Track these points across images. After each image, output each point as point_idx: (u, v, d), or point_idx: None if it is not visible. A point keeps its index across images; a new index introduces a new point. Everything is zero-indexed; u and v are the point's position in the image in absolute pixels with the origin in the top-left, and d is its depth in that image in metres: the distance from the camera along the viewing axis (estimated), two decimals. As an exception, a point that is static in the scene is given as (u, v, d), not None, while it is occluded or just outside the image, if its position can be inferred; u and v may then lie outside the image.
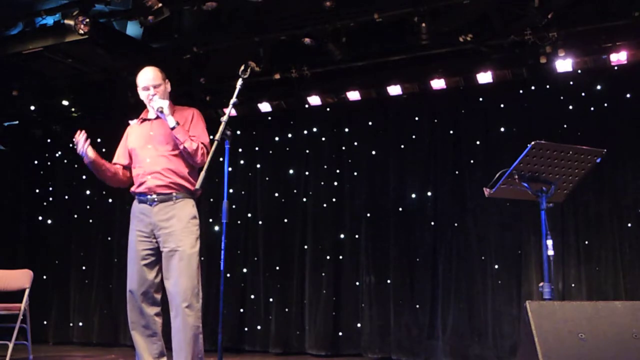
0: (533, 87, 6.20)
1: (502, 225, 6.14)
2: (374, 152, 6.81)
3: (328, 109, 6.97)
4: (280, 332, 6.82)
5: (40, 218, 8.30)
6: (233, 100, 3.56)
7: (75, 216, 8.07)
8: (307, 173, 7.08)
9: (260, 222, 7.18)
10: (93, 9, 5.56)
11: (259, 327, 6.94)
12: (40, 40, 5.96)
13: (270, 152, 7.26)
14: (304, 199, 7.02)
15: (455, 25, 5.72)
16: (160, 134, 3.92)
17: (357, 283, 6.65)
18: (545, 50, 5.67)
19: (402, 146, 6.66)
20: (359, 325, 6.55)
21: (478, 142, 6.36)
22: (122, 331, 7.32)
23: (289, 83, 6.63)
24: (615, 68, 5.83)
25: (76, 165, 7.68)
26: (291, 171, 7.17)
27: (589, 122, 5.95)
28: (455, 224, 6.33)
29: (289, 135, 7.23)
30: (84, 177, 7.88)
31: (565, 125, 6.01)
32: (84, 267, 7.91)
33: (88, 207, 8.03)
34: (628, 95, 5.91)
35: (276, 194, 7.17)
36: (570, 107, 6.08)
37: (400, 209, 6.58)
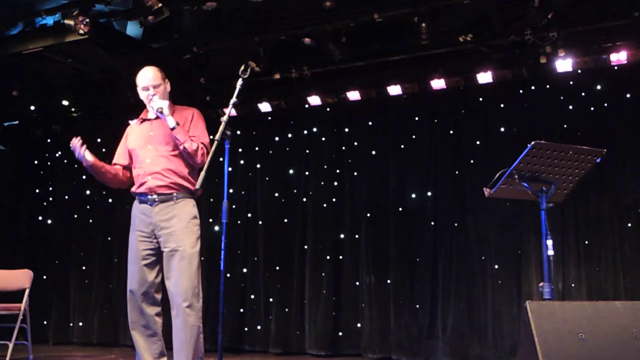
0: (533, 87, 6.20)
1: (502, 225, 6.14)
2: (374, 152, 6.81)
3: (328, 109, 6.97)
4: (280, 332, 6.82)
5: (40, 218, 8.30)
6: (233, 100, 3.56)
7: (75, 216, 8.07)
8: (307, 173, 7.08)
9: (260, 222, 7.18)
10: (93, 9, 5.56)
11: (259, 327, 6.95)
12: (40, 40, 5.96)
13: (270, 152, 7.27)
14: (304, 199, 7.02)
15: (455, 25, 5.72)
16: (160, 134, 3.92)
17: (357, 283, 6.65)
18: (545, 50, 5.67)
19: (402, 146, 6.66)
20: (359, 325, 6.55)
21: (478, 142, 6.36)
22: (122, 331, 7.32)
23: (289, 83, 6.63)
24: (615, 68, 5.83)
25: (76, 165, 7.66)
26: (291, 171, 7.17)
27: (589, 122, 5.95)
28: (455, 224, 6.33)
29: (289, 135, 7.23)
30: (84, 177, 7.87)
31: (565, 125, 6.01)
32: (84, 267, 7.91)
33: (88, 207, 8.03)
34: (628, 95, 5.91)
35: (276, 194, 7.17)
36: (570, 107, 6.08)
37: (400, 209, 6.58)
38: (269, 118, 7.25)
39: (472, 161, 6.34)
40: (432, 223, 6.42)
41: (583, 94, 6.06)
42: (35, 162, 8.47)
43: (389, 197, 6.65)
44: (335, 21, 5.72)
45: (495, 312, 6.02)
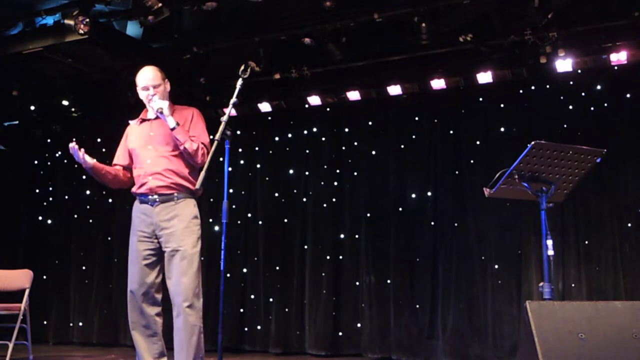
0: (533, 87, 6.20)
1: (502, 225, 6.14)
2: (374, 152, 6.81)
3: (328, 109, 6.97)
4: (280, 332, 6.82)
5: (40, 218, 8.30)
6: (233, 100, 3.56)
7: (75, 216, 8.07)
8: (307, 173, 7.08)
9: (260, 222, 7.18)
10: (93, 9, 5.56)
11: (259, 327, 6.95)
12: (40, 40, 5.96)
13: (270, 152, 7.27)
14: (304, 199, 7.02)
15: (455, 25, 5.72)
16: (160, 134, 3.92)
17: (357, 283, 6.65)
18: (545, 50, 5.67)
19: (402, 146, 6.66)
20: (359, 325, 6.55)
21: (478, 142, 6.36)
22: (122, 331, 7.32)
23: (289, 83, 6.63)
24: (615, 68, 5.83)
25: (76, 166, 7.61)
26: (291, 171, 7.17)
27: (589, 122, 5.96)
28: (455, 224, 6.33)
29: (289, 135, 7.23)
30: (84, 177, 7.86)
31: (565, 125, 6.01)
32: (84, 267, 7.91)
33: (88, 207, 8.03)
34: (628, 95, 5.91)
35: (276, 194, 7.17)
36: (570, 107, 6.08)
37: (400, 209, 6.58)
38: (269, 118, 7.25)
39: (472, 161, 6.34)
40: (432, 223, 6.42)
41: (583, 94, 6.06)
42: (35, 162, 8.47)
43: (389, 197, 6.65)
44: (335, 21, 5.72)
45: (495, 312, 6.02)
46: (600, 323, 3.04)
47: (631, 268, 5.67)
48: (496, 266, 6.11)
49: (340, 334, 6.62)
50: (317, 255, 6.82)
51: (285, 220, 7.05)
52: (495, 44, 5.87)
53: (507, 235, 6.12)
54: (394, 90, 6.46)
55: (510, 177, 3.57)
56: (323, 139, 7.05)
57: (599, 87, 6.02)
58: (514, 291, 6.00)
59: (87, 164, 3.86)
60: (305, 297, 6.80)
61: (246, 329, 7.00)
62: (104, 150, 7.09)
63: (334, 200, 6.90)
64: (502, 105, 6.34)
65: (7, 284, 5.78)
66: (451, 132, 6.48)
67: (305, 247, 6.91)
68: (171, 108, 3.90)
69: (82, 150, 3.83)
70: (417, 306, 6.33)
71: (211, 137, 3.71)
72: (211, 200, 7.12)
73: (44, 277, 7.79)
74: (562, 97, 6.09)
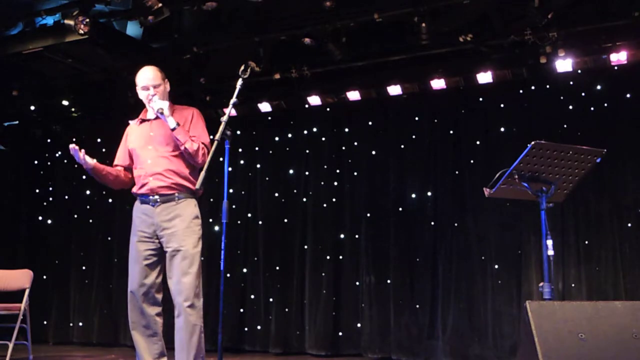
0: (533, 87, 6.20)
1: (502, 225, 6.14)
2: (374, 152, 6.81)
3: (328, 109, 6.97)
4: (280, 332, 6.82)
5: (40, 218, 8.30)
6: (233, 100, 3.57)
7: (75, 216, 8.07)
8: (307, 173, 7.08)
9: (260, 222, 7.18)
10: (93, 9, 5.56)
11: (259, 327, 6.95)
12: (40, 40, 5.96)
13: (270, 152, 7.26)
14: (304, 199, 7.02)
15: (455, 25, 5.71)
16: (160, 134, 3.92)
17: (357, 283, 6.65)
18: (545, 50, 5.67)
19: (402, 146, 6.66)
20: (359, 325, 6.55)
21: (478, 142, 6.36)
22: (122, 331, 7.32)
23: (289, 83, 6.63)
24: (615, 68, 5.83)
25: (76, 166, 7.61)
26: (291, 171, 7.17)
27: (589, 122, 5.95)
28: (455, 224, 6.33)
29: (289, 135, 7.23)
30: (84, 177, 7.85)
31: (565, 125, 6.01)
32: (84, 267, 7.91)
33: (88, 207, 8.03)
34: (628, 95, 5.91)
35: (276, 194, 7.17)
36: (570, 107, 6.08)
37: (400, 209, 6.58)
38: (269, 118, 7.25)
39: (472, 161, 6.34)
40: (432, 223, 6.42)
41: (583, 94, 6.06)
42: (35, 162, 8.46)
43: (389, 197, 6.65)
44: (335, 21, 5.72)
45: (495, 312, 6.02)
46: (600, 323, 3.04)
47: (631, 268, 5.67)
48: (496, 266, 6.11)
49: (340, 334, 6.62)
50: (317, 255, 6.82)
51: (285, 220, 7.05)
52: (495, 44, 5.87)
53: (507, 235, 6.12)
54: (394, 90, 6.46)
55: (510, 177, 3.57)
56: (323, 139, 7.05)
57: (599, 87, 6.02)
58: (514, 291, 5.99)
59: (88, 164, 3.86)
60: (305, 297, 6.80)
61: (246, 329, 7.00)
62: (104, 150, 7.09)
63: (334, 200, 6.90)
64: (502, 105, 6.34)
65: (7, 284, 5.78)
66: (451, 132, 6.48)
67: (305, 247, 6.91)
68: (171, 108, 3.90)
69: (83, 151, 3.83)
70: (417, 306, 6.33)
71: (211, 137, 3.71)
72: (211, 200, 7.11)
73: (44, 277, 7.79)
74: (562, 97, 6.09)
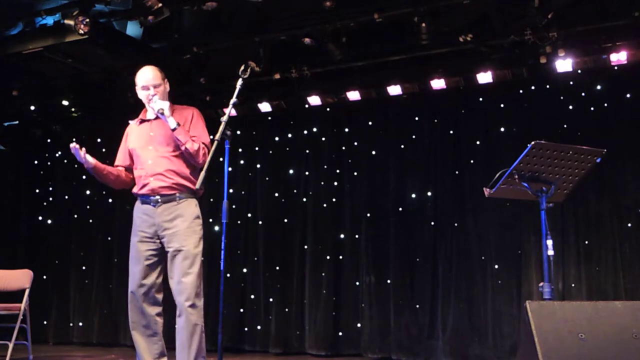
0: (533, 87, 6.20)
1: (502, 225, 6.14)
2: (374, 152, 6.81)
3: (328, 109, 6.97)
4: (280, 332, 6.82)
5: (40, 218, 8.30)
6: (233, 100, 3.57)
7: (75, 216, 8.07)
8: (307, 173, 7.08)
9: (260, 222, 7.18)
10: (93, 9, 5.56)
11: (259, 327, 6.95)
12: (40, 40, 5.96)
13: (270, 152, 7.27)
14: (304, 199, 7.02)
15: (455, 25, 5.71)
16: (160, 134, 3.92)
17: (357, 283, 6.65)
18: (545, 50, 5.67)
19: (402, 146, 6.66)
20: (359, 325, 6.55)
21: (478, 142, 6.36)
22: (122, 331, 7.32)
23: (289, 83, 6.63)
24: (615, 68, 5.83)
25: (76, 165, 7.65)
26: (291, 171, 7.17)
27: (589, 122, 5.96)
28: (455, 224, 6.33)
29: (289, 135, 7.23)
30: (84, 177, 7.87)
31: (565, 125, 6.01)
32: (84, 267, 7.91)
33: (88, 207, 8.03)
34: (628, 95, 5.91)
35: (276, 194, 7.17)
36: (570, 107, 6.08)
37: (400, 209, 6.58)
38: (269, 118, 7.25)
39: (472, 161, 6.34)
40: (432, 223, 6.42)
41: (583, 94, 6.06)
42: (35, 162, 8.47)
43: (389, 197, 6.65)
44: (335, 21, 5.72)
45: (495, 312, 6.02)
46: (600, 323, 3.04)
47: (631, 268, 5.67)
48: (496, 266, 6.11)
49: (340, 334, 6.62)
50: (317, 255, 6.82)
51: (285, 220, 7.05)
52: (495, 44, 5.87)
53: (507, 235, 6.12)
54: (394, 90, 6.46)
55: (510, 177, 3.57)
56: (323, 139, 7.05)
57: (599, 87, 6.02)
58: (514, 291, 6.00)
59: (89, 164, 3.87)
60: (305, 297, 6.80)
61: (246, 329, 7.00)
62: (104, 150, 7.09)
63: (334, 200, 6.90)
64: (502, 105, 6.34)
65: (7, 284, 5.78)
66: (451, 132, 6.48)
67: (305, 247, 6.91)
68: (171, 108, 3.89)
69: (84, 149, 3.84)
70: (417, 306, 6.33)
71: (211, 137, 3.71)
72: (211, 200, 7.11)
73: (44, 277, 7.79)
74: (562, 97, 6.09)
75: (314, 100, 6.78)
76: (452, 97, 6.45)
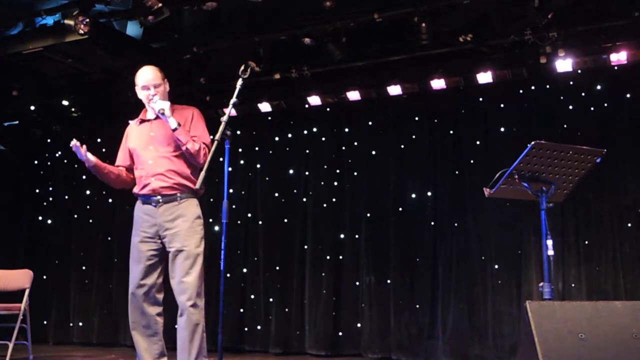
0: (533, 87, 6.20)
1: (502, 225, 6.14)
2: (374, 152, 6.81)
3: (328, 109, 6.97)
4: (280, 332, 6.82)
5: (40, 218, 8.30)
6: (233, 100, 3.57)
7: (75, 216, 8.07)
8: (307, 173, 7.08)
9: (260, 222, 7.18)
10: (93, 9, 5.56)
11: (259, 327, 6.95)
12: (40, 40, 5.96)
13: (270, 152, 7.27)
14: (304, 199, 7.02)
15: (455, 25, 5.72)
16: (161, 134, 3.92)
17: (357, 283, 6.65)
18: (545, 50, 5.67)
19: (402, 146, 6.66)
20: (359, 325, 6.55)
21: (478, 142, 6.36)
22: (122, 331, 7.32)
23: (289, 83, 6.63)
24: (615, 68, 5.83)
25: (76, 165, 7.67)
26: (291, 171, 7.17)
27: (589, 122, 5.96)
28: (455, 224, 6.33)
29: (289, 135, 7.23)
30: (84, 177, 7.88)
31: (565, 125, 6.01)
32: (84, 267, 7.91)
33: (88, 207, 8.03)
34: (628, 95, 5.91)
35: (276, 194, 7.17)
36: (570, 107, 6.08)
37: (400, 209, 6.58)
38: (269, 118, 7.25)
39: (472, 161, 6.34)
40: (432, 223, 6.42)
41: (583, 94, 6.06)
42: (35, 162, 8.47)
43: (389, 197, 6.65)
44: (335, 21, 5.72)
45: (495, 312, 6.02)
46: (600, 323, 3.04)
47: (631, 268, 5.67)
48: (496, 266, 6.11)
49: (340, 334, 6.62)
50: (317, 255, 6.82)
51: (285, 220, 7.05)
52: (495, 44, 5.87)
53: (507, 235, 6.12)
54: (394, 90, 6.46)
55: (510, 177, 3.57)
56: (323, 139, 7.05)
57: (599, 87, 6.02)
58: (514, 291, 6.00)
59: (90, 162, 3.87)
60: (305, 297, 6.80)
61: (246, 329, 7.00)
62: (104, 150, 7.07)
63: (334, 200, 6.90)
64: (502, 105, 6.34)
65: (7, 284, 5.78)
66: (451, 132, 6.48)
67: (305, 247, 6.91)
68: (171, 108, 3.89)
69: (84, 147, 3.84)
70: (417, 306, 6.33)
71: (211, 137, 3.71)
72: (211, 200, 7.10)
73: (44, 277, 7.79)
74: (562, 97, 6.10)
75: (314, 100, 6.78)
76: (452, 97, 6.45)
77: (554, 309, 3.07)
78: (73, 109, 7.65)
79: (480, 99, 6.42)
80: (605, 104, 5.96)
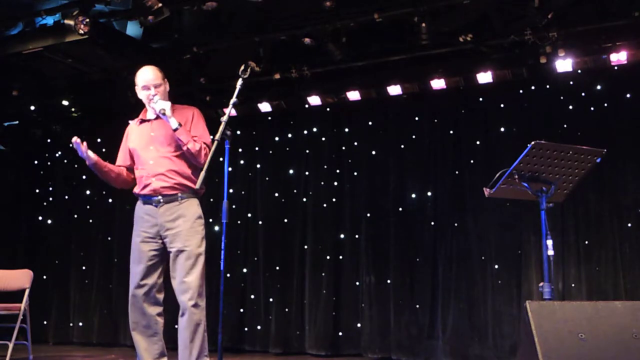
0: (533, 87, 6.20)
1: (502, 225, 6.14)
2: (374, 152, 6.81)
3: (328, 109, 6.97)
4: (280, 332, 6.82)
5: (40, 218, 8.30)
6: (233, 100, 3.57)
7: (75, 216, 8.07)
8: (307, 173, 7.08)
9: (260, 222, 7.18)
10: (93, 9, 5.56)
11: (259, 327, 6.95)
12: (40, 40, 5.96)
13: (270, 152, 7.27)
14: (304, 199, 7.02)
15: (455, 25, 5.72)
16: (161, 134, 3.92)
17: (357, 283, 6.65)
18: (545, 50, 5.67)
19: (402, 146, 6.66)
20: (359, 325, 6.55)
21: (478, 142, 6.36)
22: (122, 331, 7.32)
23: (289, 83, 6.63)
24: (615, 68, 5.83)
25: (76, 165, 7.68)
26: (291, 171, 7.17)
27: (589, 122, 5.96)
28: (455, 224, 6.33)
29: (289, 135, 7.23)
30: (84, 177, 7.88)
31: (565, 125, 6.01)
32: (84, 267, 7.91)
33: (88, 207, 8.03)
34: (628, 95, 5.91)
35: (276, 194, 7.17)
36: (570, 107, 6.08)
37: (400, 209, 6.58)
38: (269, 118, 7.25)
39: (472, 161, 6.34)
40: (432, 223, 6.42)
41: (583, 94, 6.06)
42: (35, 162, 8.47)
43: (389, 197, 6.65)
44: (335, 21, 5.72)
45: (495, 312, 6.02)
46: (600, 323, 3.04)
47: (631, 268, 5.67)
48: (496, 266, 6.11)
49: (340, 334, 6.62)
50: (317, 255, 6.82)
51: (285, 220, 7.05)
52: (495, 44, 5.87)
53: (507, 235, 6.12)
54: (394, 90, 6.46)
55: (510, 177, 3.57)
56: (323, 139, 7.05)
57: (599, 87, 6.03)
58: (514, 291, 5.99)
59: (90, 159, 3.87)
60: (305, 297, 6.80)
61: (246, 329, 7.00)
62: (104, 150, 7.07)
63: (334, 200, 6.90)
64: (502, 105, 6.34)
65: (7, 284, 5.78)
66: (451, 132, 6.48)
67: (305, 247, 6.91)
68: (172, 108, 3.89)
69: (85, 144, 3.84)
70: (417, 306, 6.33)
71: (211, 137, 3.71)
72: (211, 200, 7.10)
73: (44, 277, 7.79)
74: (562, 97, 6.10)
75: (314, 100, 6.78)
76: (452, 97, 6.45)
77: (554, 309, 3.07)
78: (73, 109, 7.65)
79: (480, 99, 6.42)
80: (605, 104, 5.96)
